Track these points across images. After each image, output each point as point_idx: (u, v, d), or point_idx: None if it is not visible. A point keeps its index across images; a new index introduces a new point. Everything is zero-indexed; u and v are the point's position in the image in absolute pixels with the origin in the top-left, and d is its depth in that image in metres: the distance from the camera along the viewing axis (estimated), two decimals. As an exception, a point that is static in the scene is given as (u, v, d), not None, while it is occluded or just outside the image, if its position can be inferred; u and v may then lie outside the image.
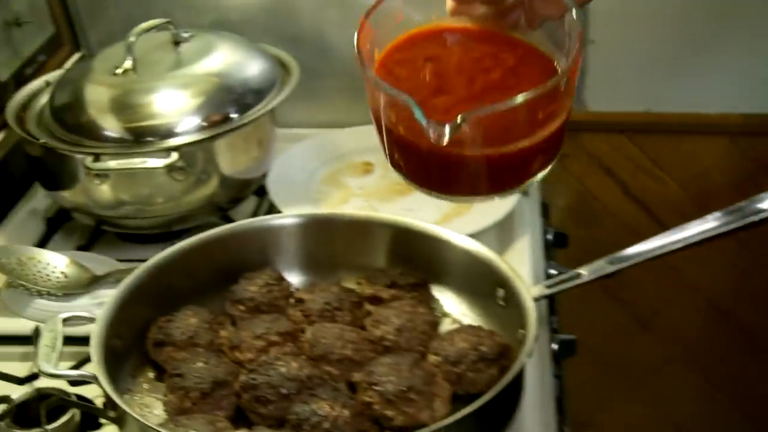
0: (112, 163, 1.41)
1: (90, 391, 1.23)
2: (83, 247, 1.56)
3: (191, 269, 1.28)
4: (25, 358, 1.32)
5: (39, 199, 1.67)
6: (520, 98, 0.84)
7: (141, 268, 1.23)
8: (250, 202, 1.65)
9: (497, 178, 0.92)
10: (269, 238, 1.33)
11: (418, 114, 0.83)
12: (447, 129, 0.83)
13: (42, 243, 1.58)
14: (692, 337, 2.12)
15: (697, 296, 2.08)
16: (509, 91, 0.86)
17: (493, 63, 0.93)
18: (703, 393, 2.16)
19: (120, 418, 1.06)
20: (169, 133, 1.45)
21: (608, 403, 2.19)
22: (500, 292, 1.21)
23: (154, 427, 0.99)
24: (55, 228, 1.62)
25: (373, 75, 0.90)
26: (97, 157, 1.42)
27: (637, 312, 2.11)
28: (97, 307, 1.36)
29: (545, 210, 1.73)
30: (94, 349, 1.08)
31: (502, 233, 1.53)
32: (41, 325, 1.25)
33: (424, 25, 0.95)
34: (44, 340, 1.10)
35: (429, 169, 0.93)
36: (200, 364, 1.13)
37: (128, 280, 1.21)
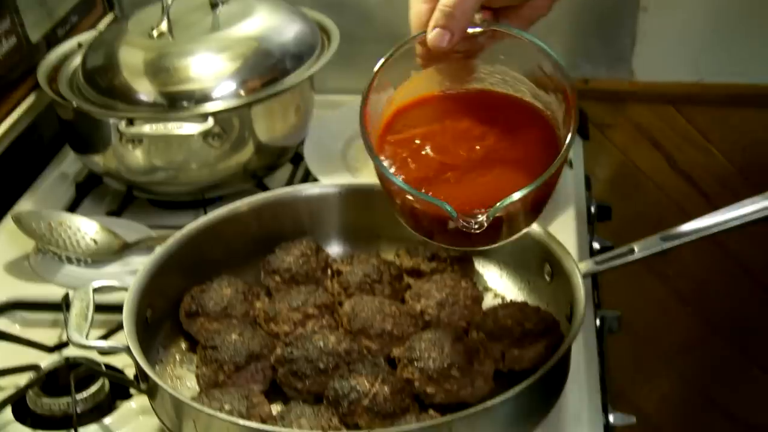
0: (146, 128, 1.38)
1: (120, 361, 1.20)
2: (114, 213, 1.53)
3: (226, 238, 1.24)
4: (54, 325, 1.30)
5: (69, 163, 1.65)
6: (538, 182, 0.92)
7: (174, 236, 1.20)
8: (286, 170, 1.61)
9: (496, 234, 0.98)
10: (306, 207, 1.29)
11: (451, 212, 0.90)
12: (478, 223, 0.91)
13: (71, 208, 1.55)
14: (734, 313, 2.07)
15: (741, 272, 2.03)
16: (509, 152, 0.97)
17: (484, 128, 0.99)
18: (743, 369, 2.12)
19: (151, 390, 1.03)
20: (205, 98, 1.41)
21: (643, 377, 2.15)
22: (547, 267, 1.17)
23: (187, 400, 0.96)
24: (85, 193, 1.59)
25: (392, 176, 0.94)
26: (130, 122, 1.38)
27: (678, 286, 2.06)
28: (127, 275, 1.33)
29: (587, 182, 1.69)
30: (126, 320, 1.05)
31: (546, 205, 1.48)
32: (71, 293, 1.23)
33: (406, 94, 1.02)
34: (75, 310, 1.07)
35: (437, 230, 0.98)
36: (234, 337, 1.10)
37: (161, 249, 1.17)
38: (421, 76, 1.02)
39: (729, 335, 2.10)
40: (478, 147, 0.99)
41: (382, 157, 0.98)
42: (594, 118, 1.87)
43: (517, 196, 0.91)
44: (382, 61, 0.99)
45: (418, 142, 0.99)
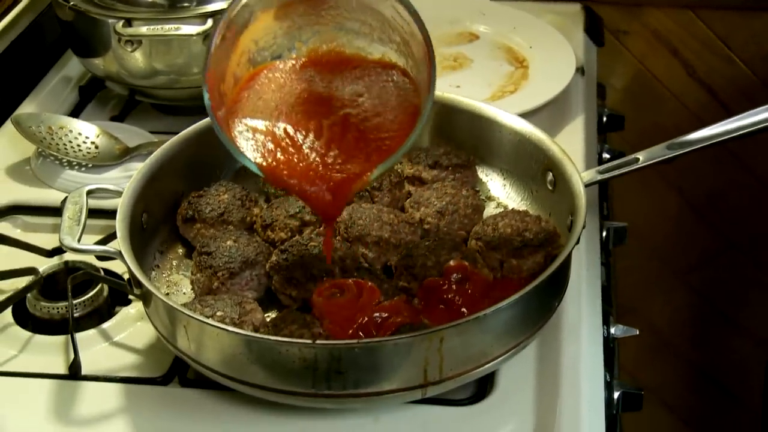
0: (144, 29, 1.36)
1: (119, 267, 1.21)
2: (116, 118, 1.52)
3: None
4: (54, 230, 1.30)
5: (71, 67, 1.63)
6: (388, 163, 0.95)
7: (172, 141, 1.19)
8: (291, 75, 1.59)
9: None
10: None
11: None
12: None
13: (75, 113, 1.55)
14: (749, 226, 2.05)
15: (757, 183, 2.00)
16: (365, 121, 0.98)
17: (342, 97, 0.99)
18: (756, 283, 2.11)
19: (144, 296, 1.03)
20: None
21: (655, 292, 2.15)
22: (549, 176, 1.16)
23: (177, 306, 0.97)
24: (89, 97, 1.58)
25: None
26: (128, 22, 1.37)
27: (692, 199, 2.04)
28: (127, 180, 1.33)
29: (601, 91, 1.66)
30: (119, 224, 1.05)
31: (554, 113, 1.46)
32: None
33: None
34: (68, 213, 1.07)
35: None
36: (230, 243, 1.09)
37: (158, 153, 1.16)
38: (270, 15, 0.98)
39: (744, 248, 2.09)
40: (334, 117, 0.99)
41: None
42: (609, 23, 1.83)
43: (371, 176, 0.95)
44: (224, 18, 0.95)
45: (274, 115, 0.99)
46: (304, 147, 0.97)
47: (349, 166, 0.96)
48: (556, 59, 1.54)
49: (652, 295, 2.13)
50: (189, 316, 0.95)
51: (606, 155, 1.52)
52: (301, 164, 0.96)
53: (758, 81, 1.87)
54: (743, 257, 2.09)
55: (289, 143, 0.97)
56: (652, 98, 1.93)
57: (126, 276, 1.19)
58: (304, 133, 0.98)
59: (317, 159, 0.97)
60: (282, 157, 0.96)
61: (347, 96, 0.99)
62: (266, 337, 0.94)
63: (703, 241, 2.08)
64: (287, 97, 1.00)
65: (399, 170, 1.23)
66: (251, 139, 0.97)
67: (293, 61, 1.01)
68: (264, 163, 0.96)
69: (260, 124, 0.98)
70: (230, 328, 0.94)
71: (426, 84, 0.94)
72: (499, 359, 0.98)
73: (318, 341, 0.92)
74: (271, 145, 0.97)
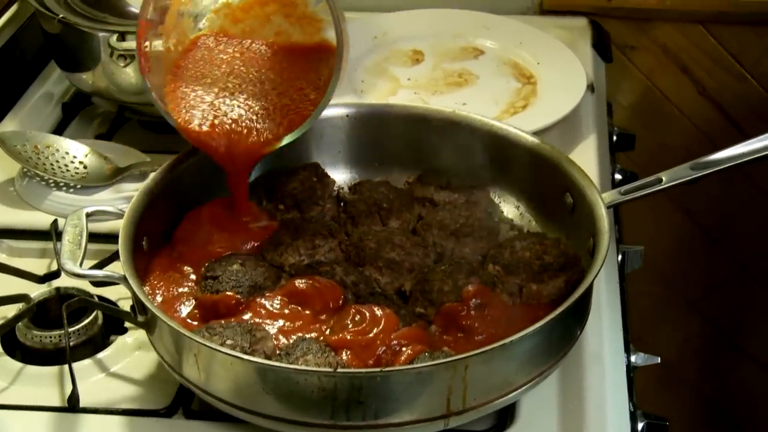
0: (139, 43, 1.38)
1: (113, 293, 1.22)
2: (103, 136, 1.54)
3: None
4: (42, 254, 1.31)
5: (54, 82, 1.65)
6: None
7: (171, 160, 1.20)
8: (286, 92, 1.62)
9: None
10: (311, 130, 1.29)
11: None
12: None
13: (58, 131, 1.56)
14: (763, 249, 2.08)
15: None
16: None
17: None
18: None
19: (149, 323, 1.04)
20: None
21: (661, 318, 2.17)
22: (567, 198, 1.18)
23: (188, 333, 0.98)
24: (73, 114, 1.60)
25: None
26: (122, 36, 1.38)
27: (703, 222, 2.07)
28: (120, 202, 1.35)
29: (608, 109, 1.69)
30: (122, 248, 1.06)
31: (564, 132, 1.50)
32: (61, 219, 1.24)
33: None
34: (68, 236, 1.08)
35: None
36: (236, 267, 1.11)
37: (158, 173, 1.18)
38: None
39: (757, 274, 2.11)
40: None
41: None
42: (617, 39, 1.87)
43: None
44: None
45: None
46: (223, 107, 1.17)
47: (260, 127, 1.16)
48: (565, 75, 1.57)
49: (659, 323, 2.15)
50: (201, 343, 0.96)
51: (618, 176, 1.56)
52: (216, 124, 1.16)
53: (771, 98, 1.91)
54: (755, 283, 2.12)
55: (213, 106, 1.17)
56: (660, 117, 1.97)
57: (121, 302, 1.21)
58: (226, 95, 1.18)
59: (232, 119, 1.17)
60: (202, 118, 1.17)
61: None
62: (286, 366, 0.95)
63: (713, 265, 2.11)
64: (212, 68, 1.19)
65: (409, 191, 1.25)
66: (182, 102, 1.17)
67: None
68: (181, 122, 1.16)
69: (195, 91, 1.18)
70: (246, 357, 0.95)
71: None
72: (523, 388, 1.00)
73: (339, 369, 0.94)
74: (198, 111, 1.17)
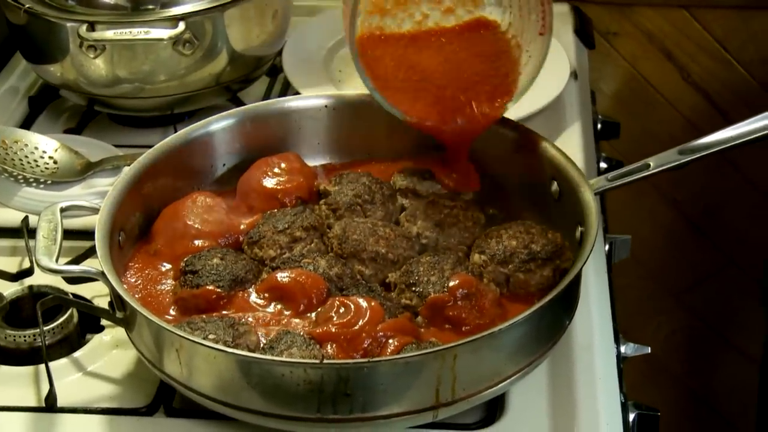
0: (109, 34, 1.39)
1: (88, 291, 1.23)
2: (72, 131, 1.55)
3: (202, 155, 1.27)
4: (13, 252, 1.32)
5: (20, 75, 1.66)
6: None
7: (147, 154, 1.21)
8: (261, 84, 1.63)
9: None
10: (289, 122, 1.31)
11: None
12: None
13: (25, 125, 1.56)
14: (749, 241, 2.11)
15: (757, 194, 2.06)
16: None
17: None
18: (759, 303, 2.17)
19: (128, 320, 1.06)
20: (174, 1, 1.42)
21: (647, 310, 2.19)
22: (554, 186, 1.20)
23: (170, 328, 0.99)
24: (40, 108, 1.61)
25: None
26: (91, 26, 1.39)
27: (689, 212, 2.10)
28: (93, 197, 1.36)
29: (592, 96, 1.71)
30: (99, 242, 1.07)
31: (548, 120, 1.52)
32: (32, 215, 1.25)
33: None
34: (42, 232, 1.09)
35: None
36: (216, 261, 1.12)
37: (134, 167, 1.19)
38: None
39: (744, 264, 2.14)
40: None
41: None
42: (599, 24, 1.89)
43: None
44: None
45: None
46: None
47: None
48: (548, 62, 1.58)
49: (645, 316, 2.18)
50: (182, 337, 0.98)
51: (603, 164, 1.58)
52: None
53: (757, 85, 1.94)
54: (743, 273, 2.14)
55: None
56: (643, 104, 1.99)
57: (96, 300, 1.22)
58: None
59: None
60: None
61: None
62: (270, 358, 0.97)
63: (700, 257, 2.14)
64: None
65: (392, 182, 1.26)
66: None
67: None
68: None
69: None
70: (230, 350, 0.97)
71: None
72: (512, 378, 1.02)
73: (325, 361, 0.95)
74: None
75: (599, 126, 1.68)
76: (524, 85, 1.25)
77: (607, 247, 1.40)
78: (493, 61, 1.25)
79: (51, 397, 1.08)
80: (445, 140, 1.25)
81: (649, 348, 1.25)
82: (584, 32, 1.78)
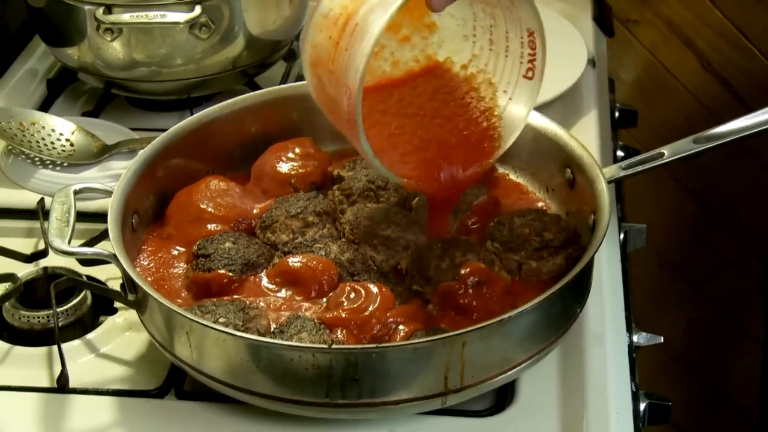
0: (126, 17, 1.39)
1: (102, 273, 1.24)
2: (90, 113, 1.56)
3: (216, 139, 1.27)
4: (29, 234, 1.33)
5: (39, 57, 1.66)
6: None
7: (161, 138, 1.22)
8: (278, 68, 1.63)
9: None
10: (304, 108, 1.31)
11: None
12: None
13: (43, 108, 1.57)
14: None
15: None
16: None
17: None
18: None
19: (140, 302, 1.06)
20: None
21: (665, 300, 2.19)
22: (567, 173, 1.20)
23: (181, 311, 1.00)
24: (58, 91, 1.61)
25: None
26: (108, 9, 1.40)
27: (708, 202, 2.09)
28: (108, 180, 1.37)
29: (610, 84, 1.71)
30: (111, 225, 1.08)
31: (565, 108, 1.51)
32: (48, 197, 1.26)
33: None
34: (55, 213, 1.09)
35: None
36: (229, 245, 1.13)
37: (147, 150, 1.20)
38: None
39: (763, 256, 2.13)
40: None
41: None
42: (619, 13, 1.88)
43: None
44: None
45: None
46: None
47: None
48: (566, 50, 1.59)
49: (663, 305, 2.18)
50: (193, 320, 0.98)
51: (620, 153, 1.58)
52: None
53: (778, 73, 1.93)
54: (762, 263, 2.13)
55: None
56: (663, 92, 1.99)
57: (111, 282, 1.23)
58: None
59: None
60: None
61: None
62: (280, 342, 0.97)
63: (718, 247, 2.13)
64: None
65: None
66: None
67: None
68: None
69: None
70: (239, 334, 0.97)
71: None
72: (522, 366, 1.02)
73: (334, 346, 0.96)
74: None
75: (617, 114, 1.67)
76: (508, 138, 1.16)
77: (621, 235, 1.40)
78: (460, 115, 1.16)
79: (63, 378, 1.09)
80: (431, 197, 1.17)
81: (662, 338, 1.25)
82: (604, 20, 1.78)
